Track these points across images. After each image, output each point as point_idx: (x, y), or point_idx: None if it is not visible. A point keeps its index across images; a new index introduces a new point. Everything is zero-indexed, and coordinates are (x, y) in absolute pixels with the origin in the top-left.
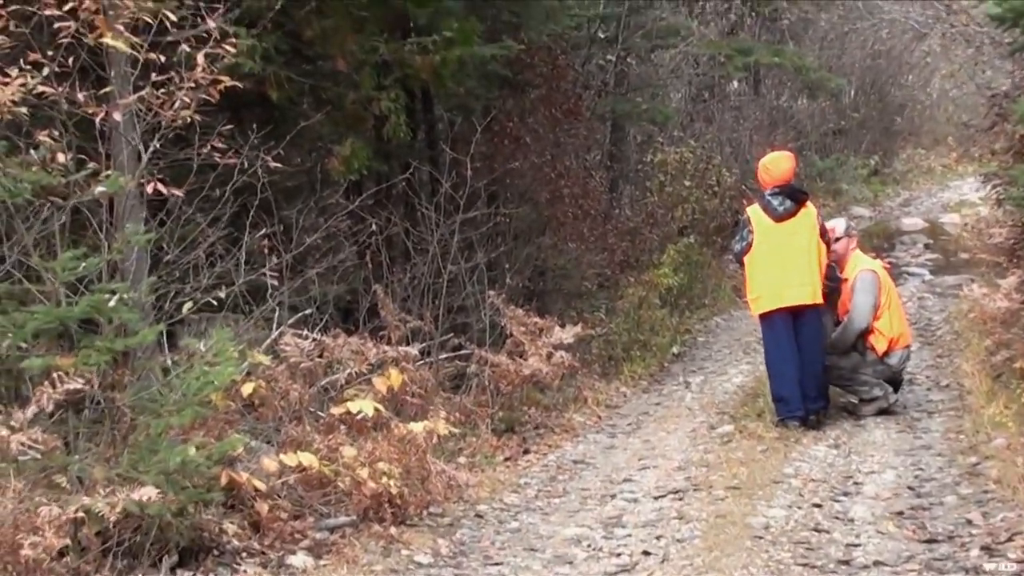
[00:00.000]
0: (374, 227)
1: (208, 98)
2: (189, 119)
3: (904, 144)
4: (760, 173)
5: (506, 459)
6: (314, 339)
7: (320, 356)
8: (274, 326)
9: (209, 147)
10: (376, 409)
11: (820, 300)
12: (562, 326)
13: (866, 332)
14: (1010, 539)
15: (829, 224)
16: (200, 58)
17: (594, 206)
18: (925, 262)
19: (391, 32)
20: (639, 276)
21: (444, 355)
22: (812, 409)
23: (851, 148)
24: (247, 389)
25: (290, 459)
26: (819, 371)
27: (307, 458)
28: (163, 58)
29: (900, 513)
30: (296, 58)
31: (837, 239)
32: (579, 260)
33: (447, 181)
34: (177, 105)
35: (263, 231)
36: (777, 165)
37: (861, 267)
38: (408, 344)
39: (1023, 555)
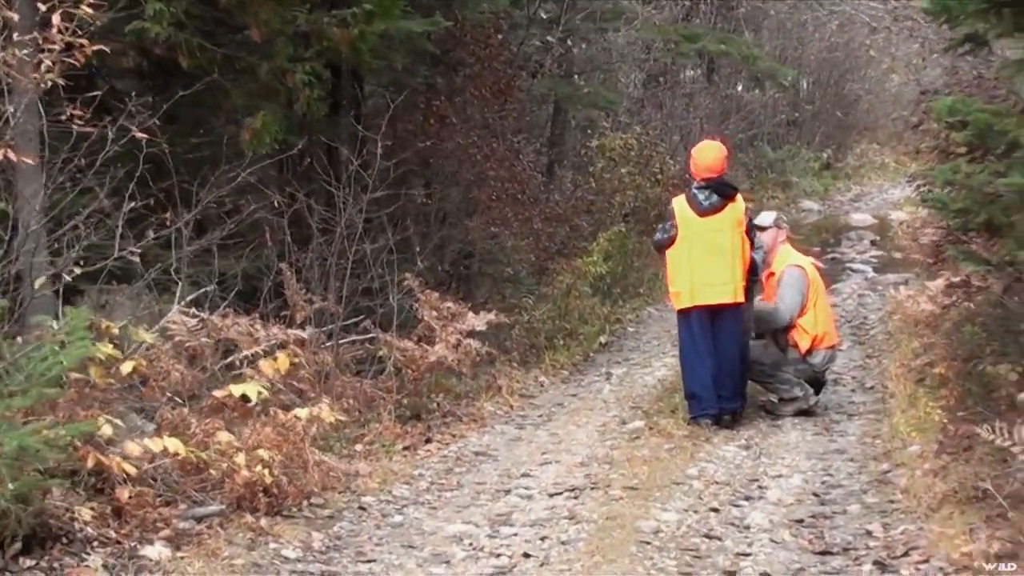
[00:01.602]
0: (276, 203)
1: (73, 63)
2: (51, 83)
3: (858, 139)
4: (691, 163)
5: (405, 448)
6: (201, 318)
7: (208, 336)
8: (176, 301)
9: (69, 114)
10: (260, 394)
11: (741, 299)
12: (476, 312)
13: (789, 328)
14: (905, 554)
15: (758, 219)
16: (56, 19)
17: (521, 190)
18: (870, 259)
19: (316, 2)
20: (569, 263)
21: (349, 338)
22: (728, 409)
23: (804, 140)
24: (126, 368)
25: (155, 444)
26: (737, 370)
27: (173, 443)
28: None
29: (800, 521)
30: (212, 26)
31: (763, 229)
32: (503, 245)
33: (358, 159)
34: (43, 68)
35: (141, 201)
36: (704, 155)
37: (789, 262)
38: (313, 326)
39: (915, 571)
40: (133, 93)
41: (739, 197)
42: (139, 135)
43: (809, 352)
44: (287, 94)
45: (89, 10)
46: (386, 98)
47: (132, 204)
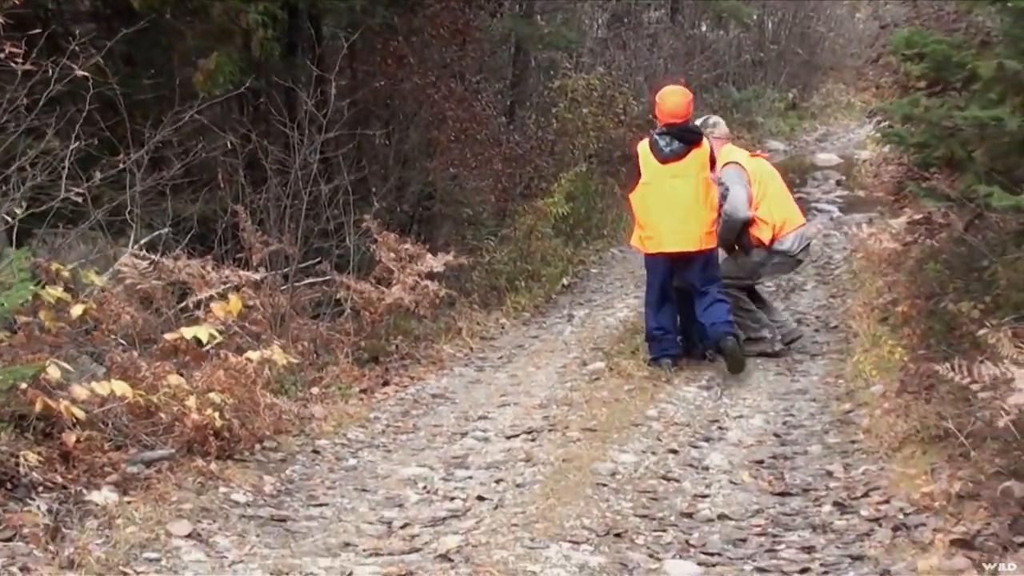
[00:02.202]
0: (230, 144)
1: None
2: None
3: (824, 78)
4: (656, 108)
5: (362, 391)
6: (151, 260)
7: (158, 279)
8: (130, 244)
9: (7, 52)
10: (213, 337)
11: (707, 245)
12: (435, 254)
13: (747, 225)
14: (865, 495)
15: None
16: None
17: (480, 131)
18: (836, 199)
19: None
20: (531, 204)
21: (305, 280)
22: (727, 332)
23: (769, 80)
24: (76, 311)
25: (102, 387)
26: (719, 299)
27: (121, 387)
28: None
29: (760, 462)
30: None
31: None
32: (463, 186)
33: (313, 100)
34: None
35: (90, 141)
36: (667, 101)
37: (725, 161)
38: (268, 268)
39: (875, 512)
40: (77, 33)
41: (704, 142)
42: (80, 74)
43: (774, 240)
44: (242, 35)
45: None
46: (343, 39)
47: (78, 144)
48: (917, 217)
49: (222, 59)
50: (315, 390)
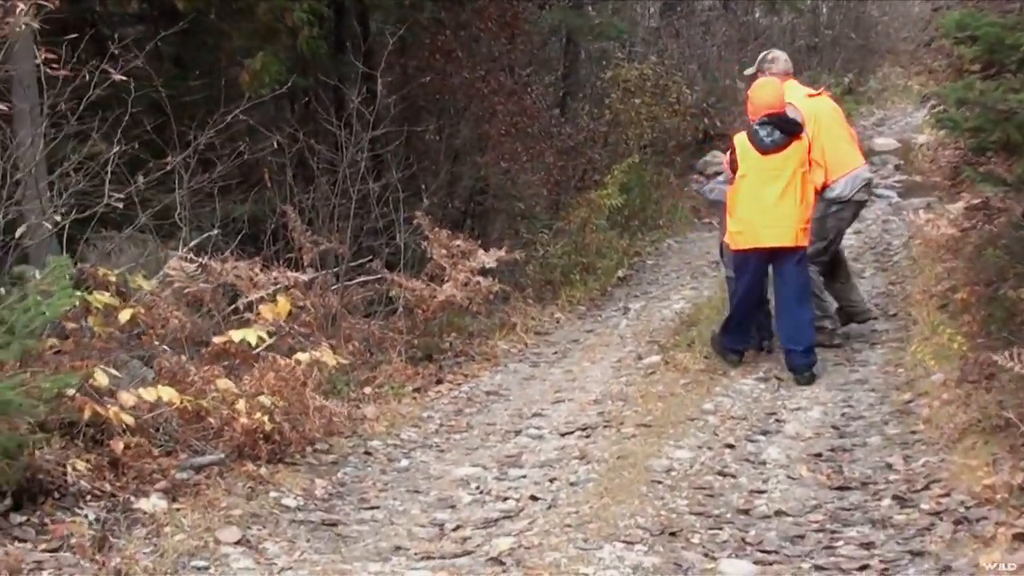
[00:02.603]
0: (277, 144)
1: (46, 4)
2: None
3: (880, 62)
4: (748, 106)
5: (416, 390)
6: (199, 263)
7: (207, 281)
8: (180, 247)
9: (43, 58)
10: (262, 339)
11: (803, 243)
12: (488, 249)
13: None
14: (926, 487)
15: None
16: None
17: (531, 124)
18: (894, 184)
19: None
20: (584, 197)
21: (356, 279)
22: (804, 363)
23: (825, 66)
24: (124, 316)
25: (149, 393)
26: (806, 320)
27: (168, 392)
28: None
29: (818, 455)
30: None
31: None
32: (515, 180)
33: (359, 97)
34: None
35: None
36: (761, 93)
37: None
38: (318, 267)
39: (936, 506)
40: (117, 37)
41: (804, 135)
42: (118, 78)
43: (827, 187)
44: (288, 34)
45: None
46: (389, 35)
47: (121, 147)
48: (975, 202)
49: (268, 58)
50: (368, 390)
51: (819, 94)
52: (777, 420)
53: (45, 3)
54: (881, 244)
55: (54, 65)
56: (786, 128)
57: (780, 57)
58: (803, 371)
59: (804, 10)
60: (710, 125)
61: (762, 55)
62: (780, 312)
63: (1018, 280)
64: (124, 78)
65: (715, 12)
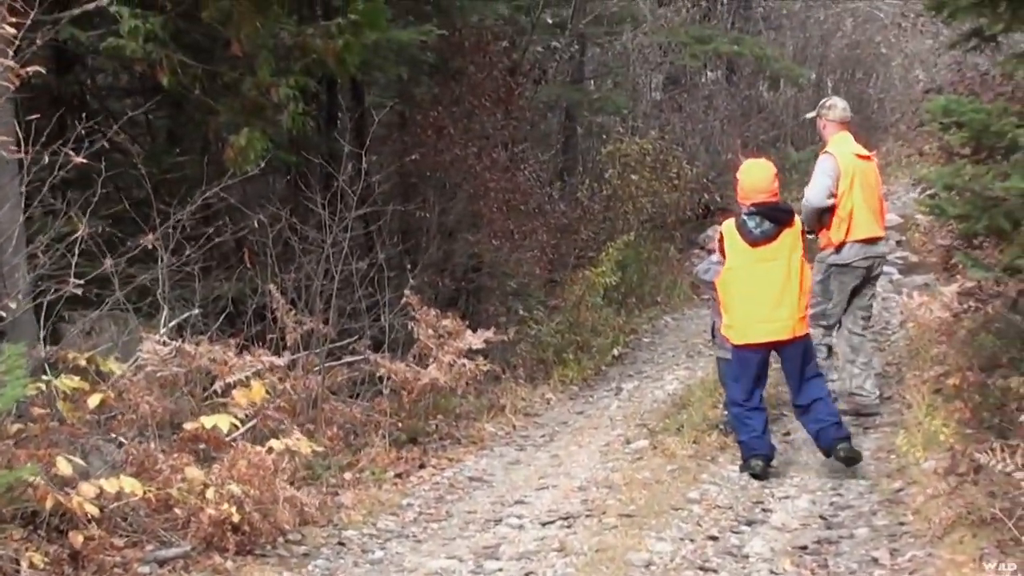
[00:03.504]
0: (257, 223)
1: (7, 84)
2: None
3: (884, 136)
4: (737, 187)
5: (397, 475)
6: (173, 346)
7: (179, 365)
8: (161, 325)
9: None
10: (233, 425)
11: (801, 332)
12: (476, 329)
13: (825, 215)
14: None
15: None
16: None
17: (524, 201)
18: (895, 260)
19: (306, 14)
20: (579, 274)
21: (340, 360)
22: (838, 437)
23: None
24: (93, 401)
25: (110, 484)
26: (825, 393)
27: (130, 483)
28: None
29: (803, 548)
30: (196, 42)
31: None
32: (507, 259)
33: (344, 175)
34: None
35: (112, 222)
36: (751, 177)
37: (824, 150)
38: (301, 349)
39: None
40: (94, 110)
41: (796, 220)
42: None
43: (838, 247)
44: (276, 110)
45: (10, 28)
46: (373, 113)
47: (88, 228)
48: (968, 285)
49: (253, 135)
50: (348, 475)
51: (868, 157)
52: (764, 509)
53: (23, 73)
54: (880, 322)
55: (14, 148)
56: (777, 217)
57: (839, 105)
58: (841, 445)
59: (805, 85)
60: (711, 200)
61: (822, 101)
62: (796, 395)
63: (1010, 367)
64: (111, 150)
65: (718, 86)
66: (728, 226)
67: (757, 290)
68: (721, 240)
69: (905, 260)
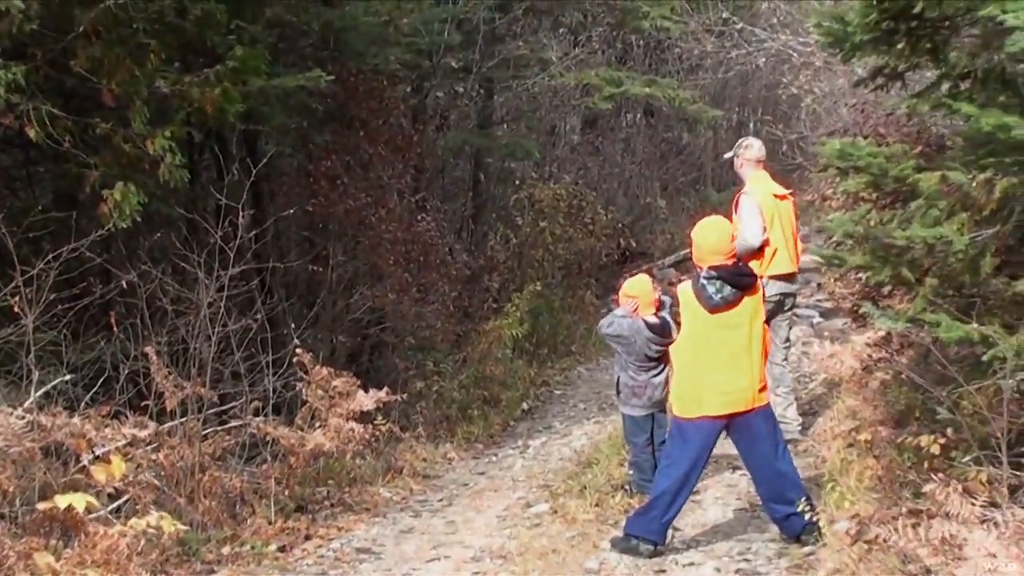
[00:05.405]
0: (126, 284)
1: None
2: None
3: (809, 175)
4: (692, 248)
5: (280, 549)
6: (29, 419)
7: (32, 440)
8: (32, 394)
9: None
10: (91, 504)
11: (760, 403)
12: (382, 385)
13: (755, 253)
14: None
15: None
16: None
17: (423, 252)
18: (816, 303)
19: (192, 61)
20: (485, 326)
21: (223, 426)
22: (808, 523)
23: None
24: None
25: None
26: (793, 472)
27: None
28: None
29: None
30: (69, 91)
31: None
32: (407, 312)
33: (222, 230)
34: None
35: None
36: (706, 238)
37: (745, 191)
38: (177, 415)
39: None
40: None
41: (759, 285)
42: None
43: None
44: (152, 163)
45: None
46: (272, 160)
47: None
48: (880, 334)
49: (128, 189)
50: (227, 550)
51: (785, 197)
52: None
53: None
54: (799, 369)
55: None
56: (738, 282)
57: (754, 145)
58: (810, 533)
59: (725, 127)
60: (627, 246)
61: (739, 141)
62: (759, 473)
63: (922, 421)
64: None
65: (636, 128)
66: (684, 291)
67: (716, 357)
68: (676, 304)
69: (825, 303)
